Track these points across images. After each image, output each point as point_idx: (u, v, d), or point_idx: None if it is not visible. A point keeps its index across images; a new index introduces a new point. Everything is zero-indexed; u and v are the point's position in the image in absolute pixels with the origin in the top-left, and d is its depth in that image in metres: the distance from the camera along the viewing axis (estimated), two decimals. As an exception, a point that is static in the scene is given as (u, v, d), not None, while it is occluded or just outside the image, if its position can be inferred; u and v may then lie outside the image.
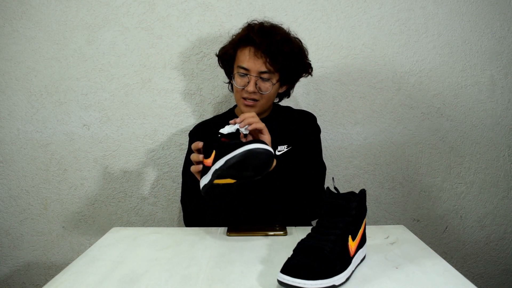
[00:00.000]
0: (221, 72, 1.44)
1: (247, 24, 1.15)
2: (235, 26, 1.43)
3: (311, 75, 1.22)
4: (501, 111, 1.53)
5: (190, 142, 1.23)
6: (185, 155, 1.28)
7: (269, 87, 1.10)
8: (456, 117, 1.52)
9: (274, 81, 1.11)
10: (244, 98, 1.11)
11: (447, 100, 1.51)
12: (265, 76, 1.09)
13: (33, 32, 1.40)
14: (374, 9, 1.45)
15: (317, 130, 1.23)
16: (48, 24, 1.40)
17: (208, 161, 0.84)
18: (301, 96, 1.48)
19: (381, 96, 1.49)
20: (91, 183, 1.48)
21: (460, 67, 1.50)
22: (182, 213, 1.52)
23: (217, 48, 1.42)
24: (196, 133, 1.24)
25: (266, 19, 1.16)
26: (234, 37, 1.17)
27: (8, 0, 1.39)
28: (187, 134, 1.48)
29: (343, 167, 1.52)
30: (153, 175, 1.49)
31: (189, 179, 1.03)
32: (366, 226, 0.84)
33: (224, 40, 1.43)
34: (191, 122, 1.46)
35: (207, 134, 1.12)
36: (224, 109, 1.46)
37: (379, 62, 1.47)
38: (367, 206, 0.83)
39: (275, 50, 1.07)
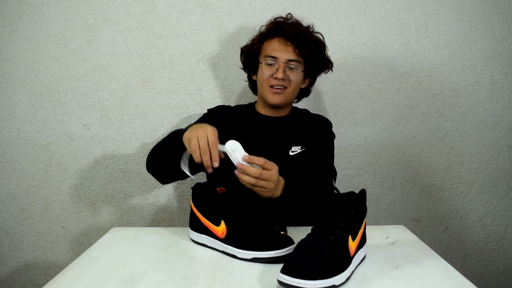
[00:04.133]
0: (221, 73, 1.45)
1: (273, 19, 1.19)
2: (235, 26, 1.43)
3: (332, 70, 1.24)
4: (501, 111, 1.53)
5: (208, 115, 1.21)
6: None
7: (297, 74, 1.13)
8: (456, 117, 1.52)
9: (301, 69, 1.14)
10: (272, 86, 1.12)
11: (447, 100, 1.51)
12: (293, 64, 1.12)
13: (33, 32, 1.40)
14: (374, 9, 1.45)
15: (332, 136, 1.23)
16: (48, 24, 1.40)
17: (219, 231, 0.85)
18: (301, 96, 1.49)
19: (381, 96, 1.49)
20: (91, 183, 1.48)
21: (460, 67, 1.50)
22: (182, 213, 1.52)
23: (217, 48, 1.44)
24: (216, 113, 1.21)
25: (290, 13, 1.22)
26: (260, 31, 1.20)
27: (8, 0, 1.39)
28: None
29: (343, 167, 1.52)
30: (153, 175, 1.49)
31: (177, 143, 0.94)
32: (366, 226, 0.84)
33: (224, 40, 1.43)
34: (191, 122, 1.46)
35: (226, 115, 1.13)
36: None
37: (379, 62, 1.47)
38: (367, 206, 0.82)
39: (303, 39, 1.12)
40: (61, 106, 1.44)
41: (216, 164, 0.85)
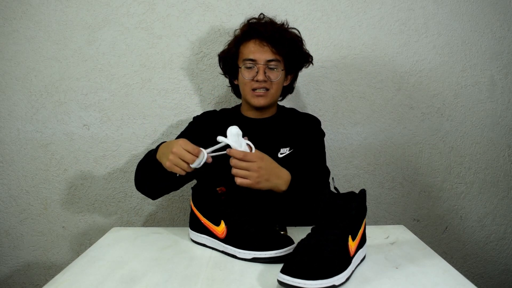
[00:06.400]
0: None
1: (246, 21, 1.18)
2: (235, 26, 1.42)
3: (312, 64, 1.24)
4: (501, 111, 1.53)
5: (192, 125, 1.22)
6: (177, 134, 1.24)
7: (278, 74, 1.12)
8: (456, 117, 1.52)
9: (281, 68, 1.13)
10: (254, 90, 1.12)
11: (447, 100, 1.51)
12: (272, 64, 1.11)
13: (33, 32, 1.40)
14: (374, 9, 1.45)
15: (321, 134, 1.22)
16: (48, 24, 1.40)
17: (219, 231, 0.86)
18: (301, 96, 1.48)
19: (381, 96, 1.49)
20: (91, 183, 1.48)
21: (460, 67, 1.50)
22: (182, 213, 1.52)
23: (217, 48, 1.44)
24: (201, 120, 1.23)
25: (262, 13, 1.21)
26: (235, 35, 1.19)
27: (8, 0, 1.39)
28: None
29: (343, 167, 1.52)
30: (153, 175, 1.49)
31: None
32: (366, 226, 0.84)
33: (224, 40, 1.43)
34: (190, 120, 1.46)
35: (213, 124, 1.10)
36: (224, 109, 1.46)
37: (379, 62, 1.47)
38: (367, 206, 0.83)
39: (279, 37, 1.10)
40: (61, 106, 1.44)
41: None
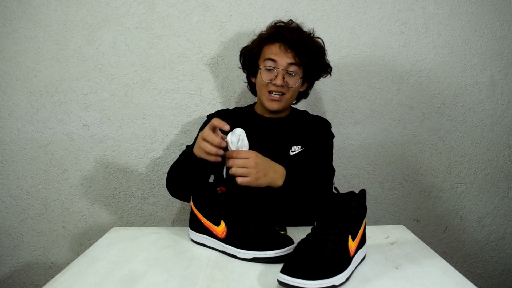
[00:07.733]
0: (221, 72, 1.45)
1: (273, 23, 1.19)
2: (235, 26, 1.43)
3: (330, 75, 1.25)
4: (501, 111, 1.53)
5: (206, 123, 1.23)
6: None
7: (296, 81, 1.13)
8: (456, 117, 1.52)
9: (299, 75, 1.14)
10: (270, 92, 1.13)
11: (447, 100, 1.51)
12: (292, 70, 1.12)
13: (33, 32, 1.40)
14: (374, 9, 1.45)
15: (331, 135, 1.23)
16: (48, 24, 1.40)
17: (219, 231, 0.86)
18: (301, 96, 1.48)
19: (381, 96, 1.49)
20: (91, 183, 1.48)
21: (460, 67, 1.50)
22: (182, 213, 1.52)
23: (217, 48, 1.44)
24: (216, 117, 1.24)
25: (291, 19, 1.22)
26: (260, 35, 1.20)
27: (8, 0, 1.39)
28: (187, 134, 1.49)
29: (343, 167, 1.52)
30: (153, 175, 1.49)
31: (189, 159, 1.00)
32: (366, 226, 0.84)
33: (224, 40, 1.43)
34: (191, 122, 1.47)
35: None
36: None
37: (379, 62, 1.47)
38: (367, 206, 0.83)
39: (303, 45, 1.11)
40: (61, 106, 1.44)
41: (227, 127, 0.89)
